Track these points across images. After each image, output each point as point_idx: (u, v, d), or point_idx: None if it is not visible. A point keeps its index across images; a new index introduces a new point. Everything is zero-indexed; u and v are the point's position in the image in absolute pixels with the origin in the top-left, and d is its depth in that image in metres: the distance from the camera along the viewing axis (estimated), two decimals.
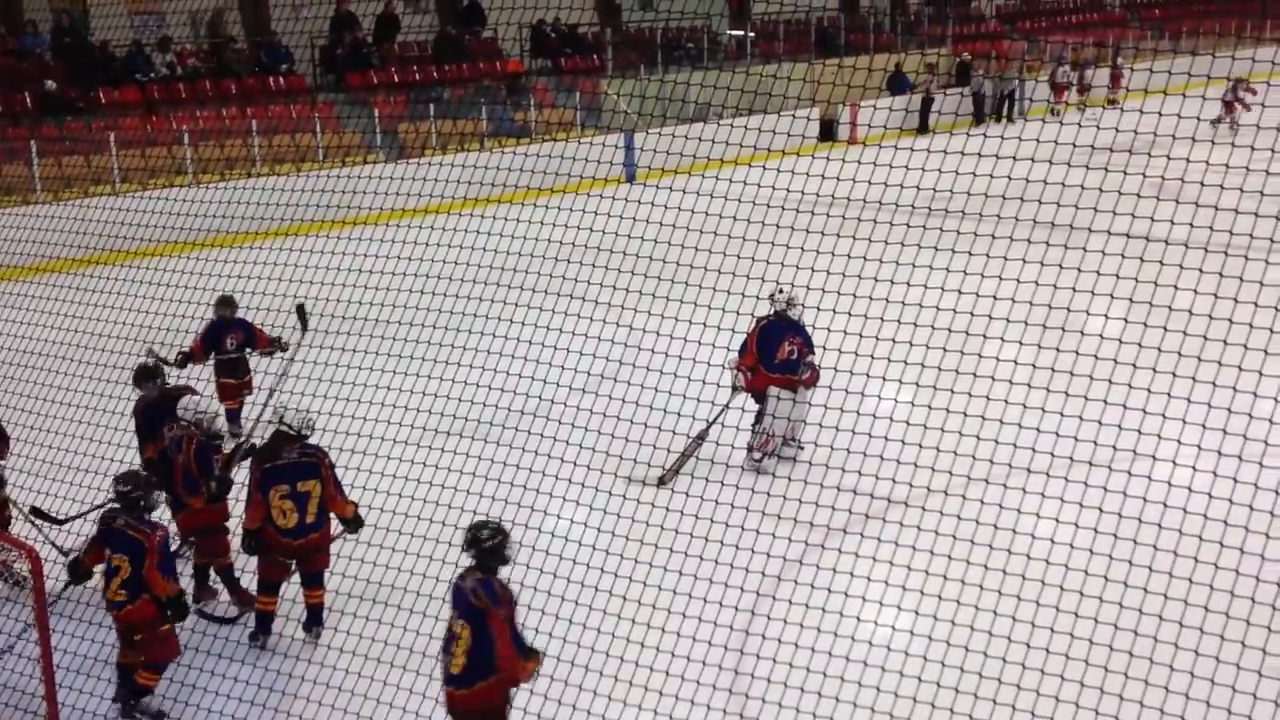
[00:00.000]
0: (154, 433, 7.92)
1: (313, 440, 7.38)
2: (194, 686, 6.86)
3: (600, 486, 7.50)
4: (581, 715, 6.06)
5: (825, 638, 5.99)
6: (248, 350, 10.27)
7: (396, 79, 23.35)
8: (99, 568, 6.77)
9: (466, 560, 5.70)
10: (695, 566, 6.31)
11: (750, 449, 9.63)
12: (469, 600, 5.50)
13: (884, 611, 6.02)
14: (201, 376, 9.72)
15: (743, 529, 6.42)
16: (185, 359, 9.81)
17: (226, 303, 10.11)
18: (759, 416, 9.69)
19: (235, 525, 7.52)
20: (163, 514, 7.31)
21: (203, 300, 9.65)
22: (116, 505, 6.73)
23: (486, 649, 5.42)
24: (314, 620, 7.44)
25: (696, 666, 6.12)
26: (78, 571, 6.90)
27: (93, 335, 9.09)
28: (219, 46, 22.11)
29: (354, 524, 7.36)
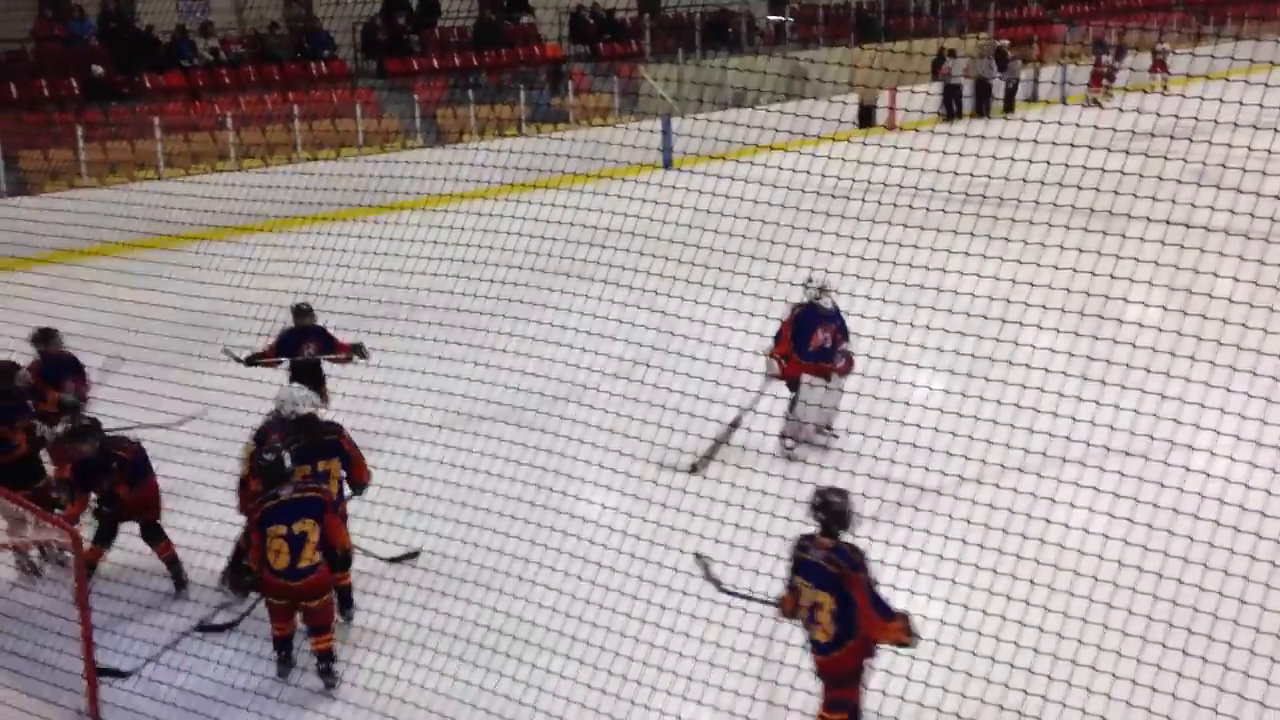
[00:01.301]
0: (88, 489, 7.59)
1: (346, 424, 7.44)
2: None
3: (633, 473, 7.52)
4: (611, 700, 6.09)
5: None
6: (325, 358, 9.65)
7: (436, 64, 23.43)
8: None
9: (811, 527, 5.64)
10: (727, 554, 6.32)
11: (783, 437, 9.61)
12: (824, 569, 5.49)
13: (915, 600, 5.98)
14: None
15: (774, 516, 6.42)
16: (254, 359, 9.39)
17: (303, 312, 9.55)
18: (792, 405, 9.67)
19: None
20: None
21: (246, 284, 9.64)
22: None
23: (849, 613, 5.43)
24: (345, 603, 7.53)
25: (726, 653, 6.13)
26: (245, 578, 6.90)
27: (138, 318, 9.19)
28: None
29: (343, 562, 7.24)
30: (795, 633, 6.22)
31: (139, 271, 9.94)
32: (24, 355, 8.73)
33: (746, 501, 6.64)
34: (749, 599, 5.94)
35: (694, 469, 9.05)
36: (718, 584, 6.01)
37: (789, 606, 5.72)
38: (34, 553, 8.22)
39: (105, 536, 7.72)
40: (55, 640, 6.90)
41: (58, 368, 8.82)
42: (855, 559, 5.49)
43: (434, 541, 7.65)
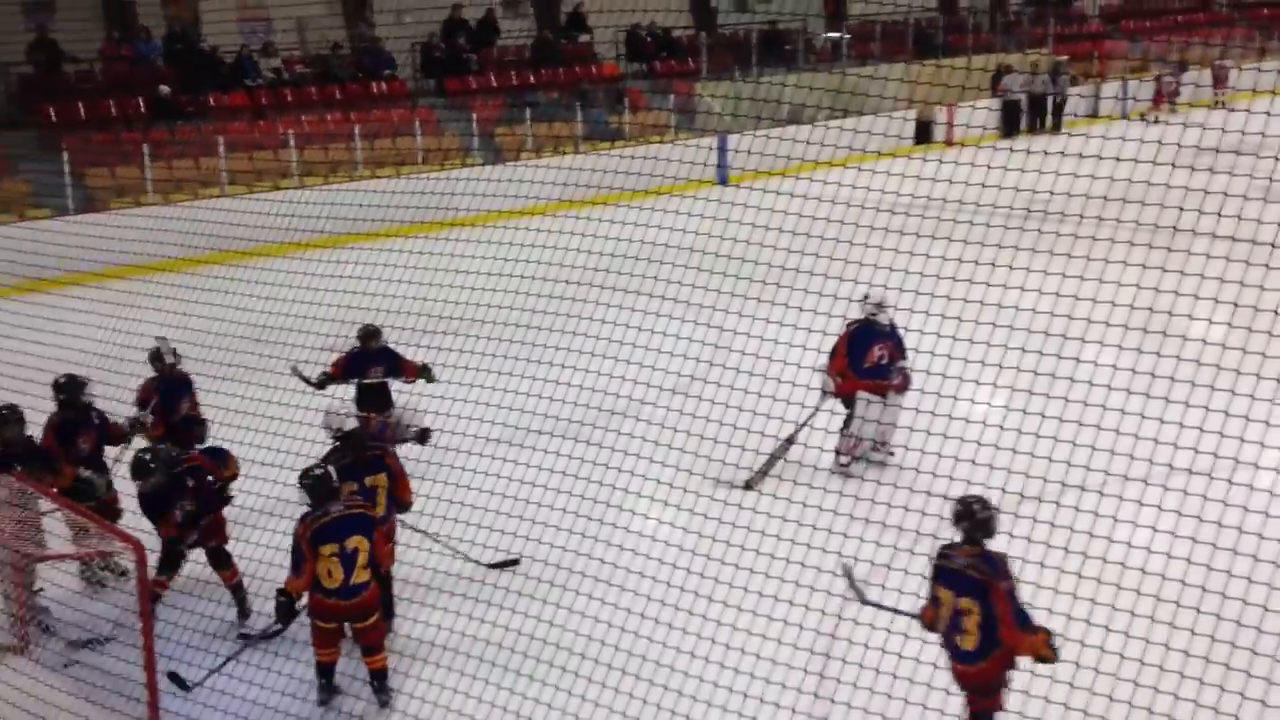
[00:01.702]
0: (165, 517, 7.56)
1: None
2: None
3: (689, 488, 7.53)
4: (666, 715, 6.09)
5: (913, 645, 5.94)
6: (392, 380, 9.56)
7: (494, 83, 23.66)
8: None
9: (954, 535, 5.68)
10: (782, 570, 6.31)
11: (838, 453, 9.57)
12: (968, 575, 5.52)
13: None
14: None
15: (830, 533, 6.39)
16: (326, 380, 9.37)
17: (371, 335, 9.47)
18: (848, 421, 9.63)
19: None
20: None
21: (307, 299, 9.70)
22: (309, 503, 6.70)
23: (991, 622, 5.46)
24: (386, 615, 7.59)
25: (781, 670, 6.11)
26: (279, 599, 6.86)
27: (204, 333, 9.33)
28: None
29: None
30: (851, 652, 6.19)
31: (204, 288, 10.09)
32: (88, 368, 8.85)
33: (803, 519, 6.61)
34: (895, 612, 5.90)
35: (749, 485, 9.04)
36: (861, 596, 5.97)
37: (929, 618, 5.72)
38: (97, 563, 8.37)
39: (170, 565, 7.65)
40: (118, 650, 7.03)
41: (176, 387, 8.87)
42: (1000, 566, 5.51)
43: (491, 555, 7.72)
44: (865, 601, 5.97)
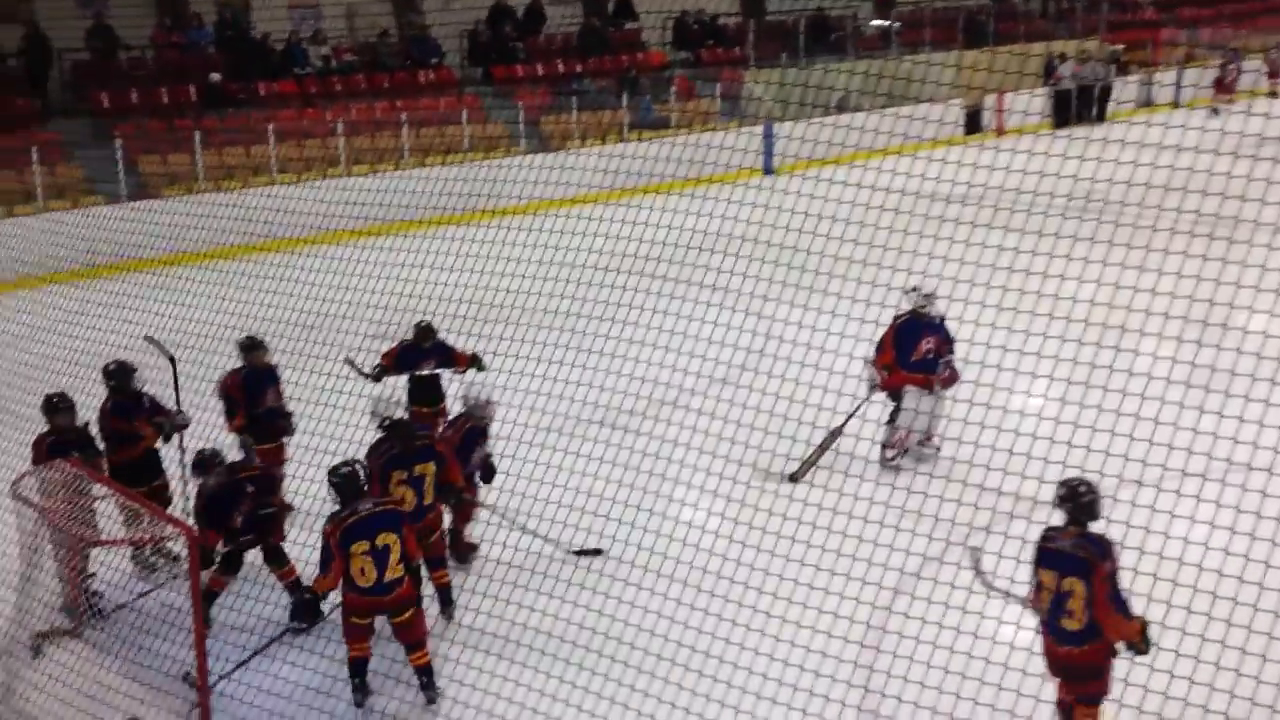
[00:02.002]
0: (220, 523, 7.48)
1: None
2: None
3: (738, 478, 7.48)
4: (716, 706, 6.07)
5: (963, 639, 5.89)
6: (445, 372, 9.53)
7: (541, 71, 23.67)
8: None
9: (1057, 518, 5.74)
10: (830, 563, 6.26)
11: (885, 447, 9.50)
12: (1072, 555, 5.55)
13: (1010, 620, 5.89)
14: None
15: (879, 526, 6.34)
16: (380, 372, 9.31)
17: (424, 332, 9.43)
18: (894, 415, 9.55)
19: None
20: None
21: (355, 286, 9.76)
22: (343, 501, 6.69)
23: (1091, 604, 5.49)
24: (445, 601, 7.62)
25: (830, 663, 6.08)
26: (304, 596, 6.99)
27: (257, 320, 9.37)
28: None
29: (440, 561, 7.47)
30: (900, 645, 6.14)
31: (256, 275, 10.13)
32: (135, 353, 8.93)
33: (851, 512, 6.54)
34: (1010, 598, 5.86)
35: (794, 478, 9.00)
36: (989, 583, 5.92)
37: (1034, 602, 5.72)
38: (149, 549, 8.45)
39: (230, 565, 7.65)
40: (170, 634, 7.11)
41: (261, 378, 8.85)
42: (1104, 546, 5.52)
43: (540, 545, 7.72)
44: (992, 588, 5.93)
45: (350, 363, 9.18)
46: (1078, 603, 5.47)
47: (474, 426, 7.95)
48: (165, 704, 6.79)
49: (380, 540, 6.55)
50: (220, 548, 7.54)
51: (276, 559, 7.70)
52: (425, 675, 6.77)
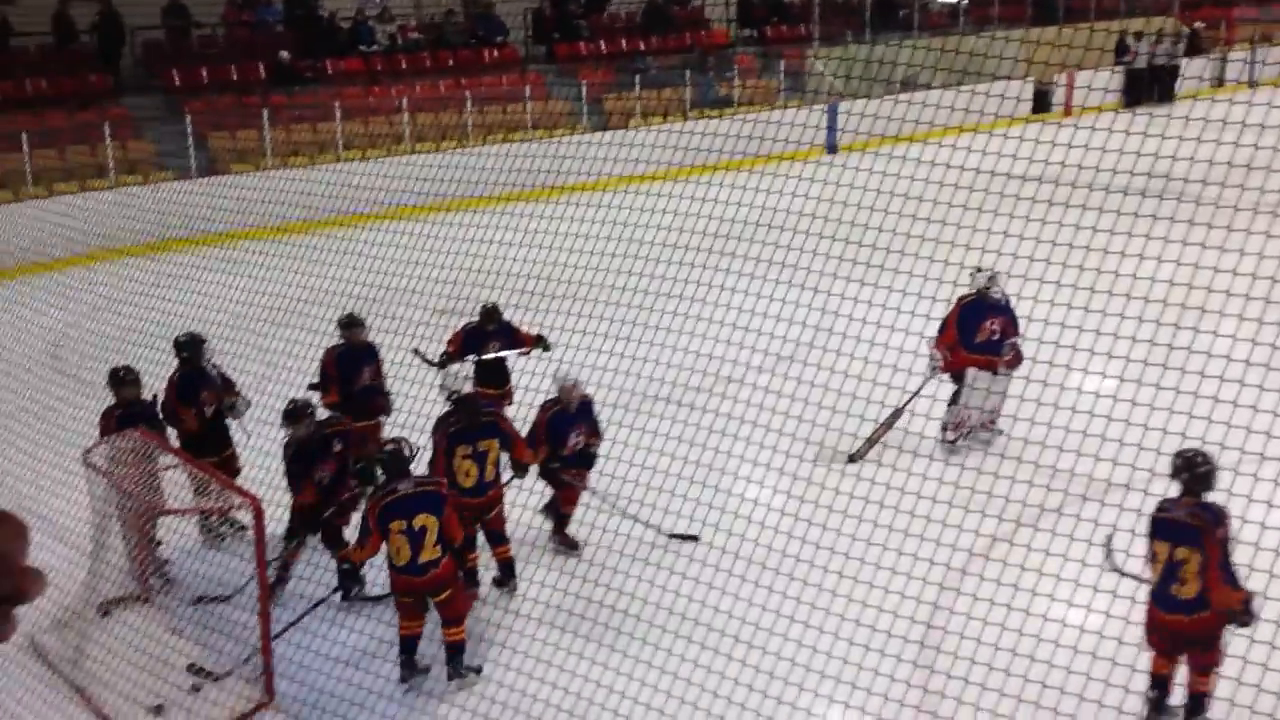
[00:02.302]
0: (309, 474, 7.65)
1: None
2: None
3: (804, 456, 7.45)
4: (778, 684, 6.05)
5: (1017, 624, 5.80)
6: (510, 354, 9.52)
7: (604, 49, 23.63)
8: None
9: (1173, 490, 5.83)
10: (885, 545, 6.20)
11: (945, 428, 9.40)
12: (1186, 524, 5.62)
13: (1080, 604, 5.80)
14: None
15: (934, 510, 6.26)
16: (446, 360, 9.09)
17: (490, 315, 9.43)
18: (956, 397, 9.44)
19: None
20: None
21: (421, 260, 9.75)
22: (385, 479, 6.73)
23: (1204, 571, 5.55)
24: (506, 574, 7.69)
25: (884, 645, 6.03)
26: (352, 575, 7.07)
27: (324, 293, 9.45)
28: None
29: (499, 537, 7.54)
30: (954, 630, 6.07)
31: (323, 246, 10.23)
32: (215, 325, 9.05)
33: (907, 496, 6.48)
34: (1139, 580, 5.87)
35: (853, 458, 8.93)
36: (1118, 567, 5.92)
37: (1151, 574, 5.75)
38: (216, 518, 8.57)
39: (308, 527, 7.70)
40: (236, 601, 7.23)
41: (358, 356, 8.87)
42: (1219, 514, 5.59)
43: (604, 519, 7.72)
44: (1122, 572, 5.92)
45: (418, 353, 9.16)
46: (1190, 571, 5.51)
47: (560, 411, 7.90)
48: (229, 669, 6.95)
49: (418, 522, 6.56)
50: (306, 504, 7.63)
51: (336, 541, 7.74)
52: (455, 652, 6.78)
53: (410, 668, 6.83)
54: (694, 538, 7.67)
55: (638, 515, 7.63)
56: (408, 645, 6.84)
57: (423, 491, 6.68)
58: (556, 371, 8.02)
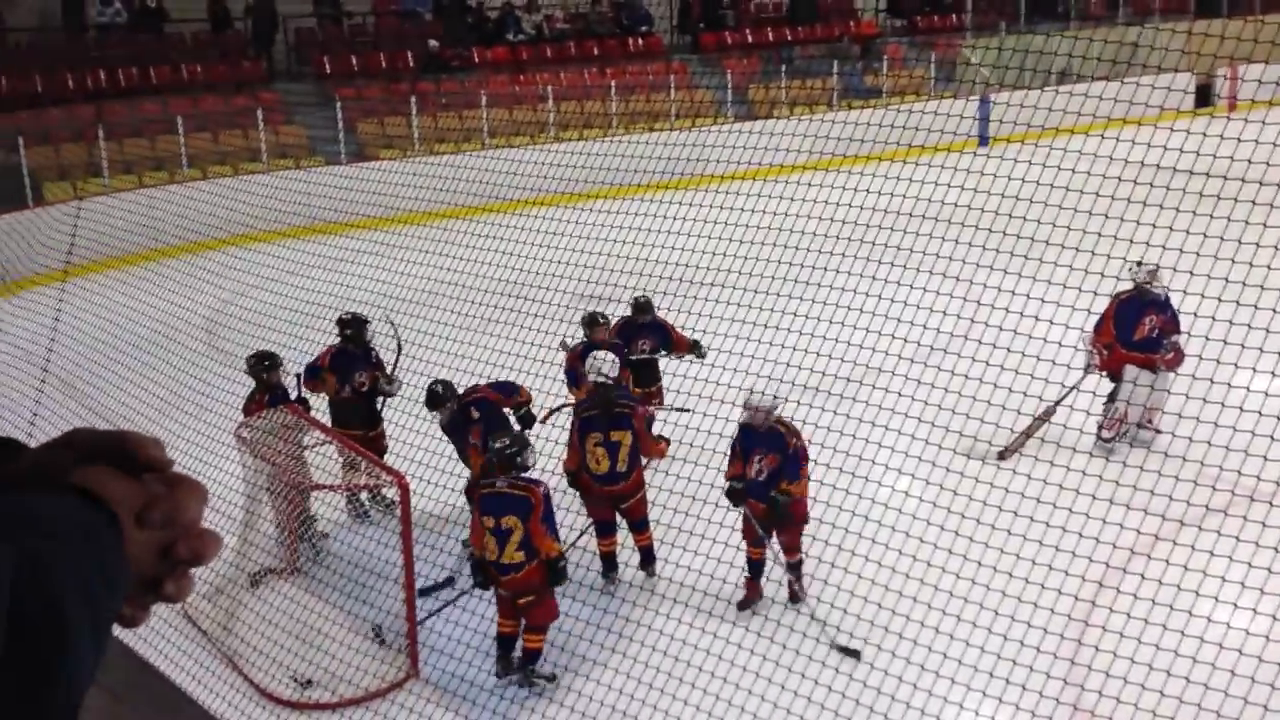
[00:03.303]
0: (467, 443, 7.86)
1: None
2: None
3: (947, 450, 7.25)
4: (907, 688, 5.93)
5: (1171, 635, 5.54)
6: (661, 354, 9.46)
7: (750, 39, 23.47)
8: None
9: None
10: (1034, 550, 6.00)
11: (1101, 429, 9.08)
12: None
13: (1238, 614, 5.54)
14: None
15: (1093, 508, 6.04)
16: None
17: (641, 307, 9.40)
18: (1112, 396, 9.12)
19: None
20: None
21: (571, 247, 9.76)
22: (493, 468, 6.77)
23: None
24: (646, 560, 7.71)
25: (1030, 652, 5.83)
26: (477, 565, 6.93)
27: (466, 274, 9.57)
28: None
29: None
30: (1105, 638, 5.84)
31: (471, 231, 10.36)
32: (359, 306, 9.24)
33: (1059, 498, 6.27)
34: None
35: (1002, 457, 8.71)
36: None
37: None
38: (364, 496, 8.79)
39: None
40: (381, 581, 7.38)
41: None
42: None
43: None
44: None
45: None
46: None
47: (744, 425, 7.39)
48: (377, 652, 7.12)
49: (505, 522, 6.57)
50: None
51: None
52: (528, 659, 6.78)
53: (505, 663, 6.83)
54: (856, 654, 6.75)
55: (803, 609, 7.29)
56: (503, 643, 6.84)
57: (513, 495, 6.64)
58: (754, 388, 7.49)
